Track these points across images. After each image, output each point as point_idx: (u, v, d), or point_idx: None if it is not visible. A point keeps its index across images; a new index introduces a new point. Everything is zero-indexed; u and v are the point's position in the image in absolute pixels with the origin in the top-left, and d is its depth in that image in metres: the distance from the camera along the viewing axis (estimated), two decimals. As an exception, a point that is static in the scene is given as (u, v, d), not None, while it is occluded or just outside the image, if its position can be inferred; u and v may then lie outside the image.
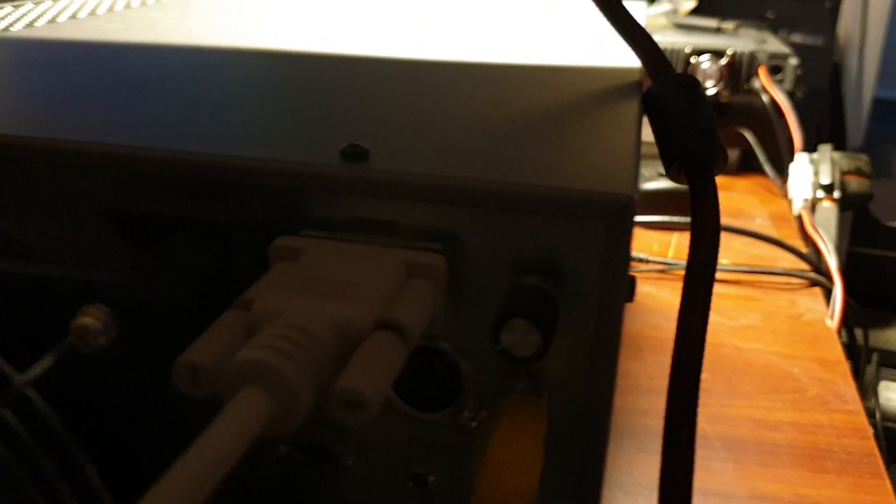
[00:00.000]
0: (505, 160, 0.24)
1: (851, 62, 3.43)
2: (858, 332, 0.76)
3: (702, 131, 0.33)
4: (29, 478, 0.21)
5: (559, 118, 0.29)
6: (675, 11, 1.07)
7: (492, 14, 0.52)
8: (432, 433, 0.25)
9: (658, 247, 0.78)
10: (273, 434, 0.18)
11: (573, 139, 0.27)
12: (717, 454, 0.49)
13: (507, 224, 0.22)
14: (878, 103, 3.87)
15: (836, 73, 3.09)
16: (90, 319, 0.19)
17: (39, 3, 0.49)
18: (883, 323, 0.95)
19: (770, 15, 3.45)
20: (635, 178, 0.24)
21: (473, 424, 0.24)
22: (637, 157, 0.27)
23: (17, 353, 0.21)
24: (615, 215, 0.22)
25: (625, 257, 0.22)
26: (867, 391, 0.81)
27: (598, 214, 0.22)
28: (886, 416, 0.78)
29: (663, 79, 0.35)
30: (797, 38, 3.38)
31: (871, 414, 0.80)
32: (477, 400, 0.24)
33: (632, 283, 0.23)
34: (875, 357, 0.87)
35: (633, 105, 0.31)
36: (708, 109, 0.34)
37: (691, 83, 0.35)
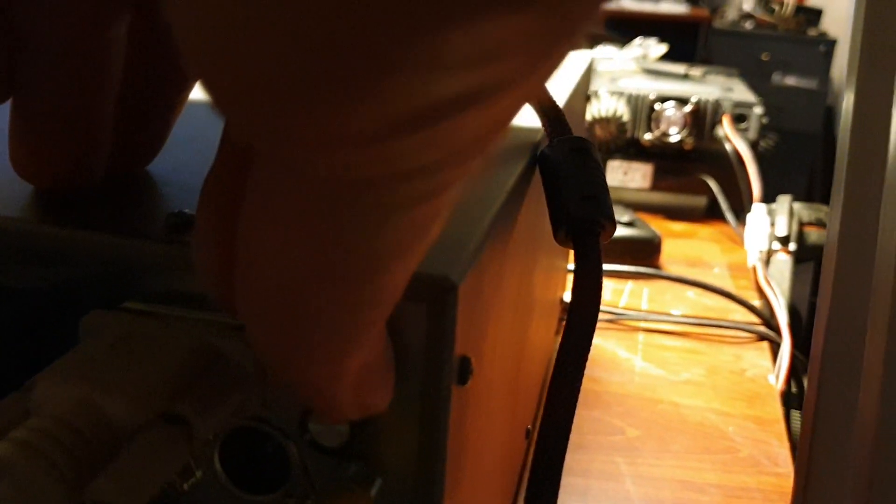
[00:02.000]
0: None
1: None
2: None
3: (587, 197, 0.32)
4: None
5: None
6: (645, 57, 1.07)
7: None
8: (264, 516, 0.24)
9: (611, 295, 0.77)
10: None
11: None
12: (637, 517, 0.48)
13: (332, 304, 0.21)
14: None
15: (829, 116, 3.09)
16: None
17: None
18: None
19: (764, 57, 3.45)
20: (470, 260, 0.23)
21: (303, 509, 0.23)
22: (495, 227, 0.26)
23: None
24: (436, 299, 0.21)
25: (448, 342, 0.21)
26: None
27: (418, 297, 0.21)
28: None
29: (557, 141, 0.34)
30: (791, 80, 3.39)
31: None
32: (305, 484, 0.23)
33: (464, 365, 0.22)
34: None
35: (514, 170, 0.31)
36: (598, 174, 0.33)
37: (584, 147, 0.34)
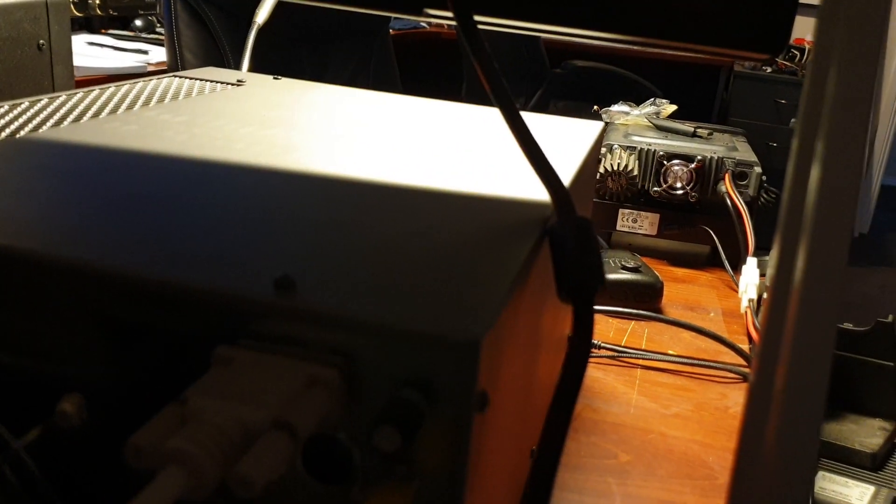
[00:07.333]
0: (396, 299, 0.32)
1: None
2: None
3: (586, 267, 0.40)
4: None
5: (460, 252, 0.37)
6: (657, 114, 1.15)
7: (449, 147, 0.60)
8: (333, 502, 0.32)
9: (614, 334, 0.85)
10: (190, 499, 0.26)
11: (462, 276, 0.35)
12: (623, 531, 0.56)
13: (389, 348, 0.30)
14: (885, 190, 3.89)
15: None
16: (68, 405, 0.27)
17: (35, 102, 0.57)
18: (826, 416, 1.01)
19: (783, 102, 3.50)
20: (490, 320, 0.31)
21: (361, 498, 0.32)
22: (511, 291, 0.34)
23: (12, 423, 0.29)
24: (463, 350, 0.29)
25: (472, 381, 0.30)
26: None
27: (451, 349, 0.30)
28: (816, 506, 0.84)
29: (564, 218, 0.43)
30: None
31: (804, 502, 0.86)
32: (365, 479, 0.32)
33: (483, 398, 0.31)
34: (816, 448, 0.93)
35: (528, 241, 0.39)
36: (595, 247, 0.42)
37: (585, 225, 0.42)
